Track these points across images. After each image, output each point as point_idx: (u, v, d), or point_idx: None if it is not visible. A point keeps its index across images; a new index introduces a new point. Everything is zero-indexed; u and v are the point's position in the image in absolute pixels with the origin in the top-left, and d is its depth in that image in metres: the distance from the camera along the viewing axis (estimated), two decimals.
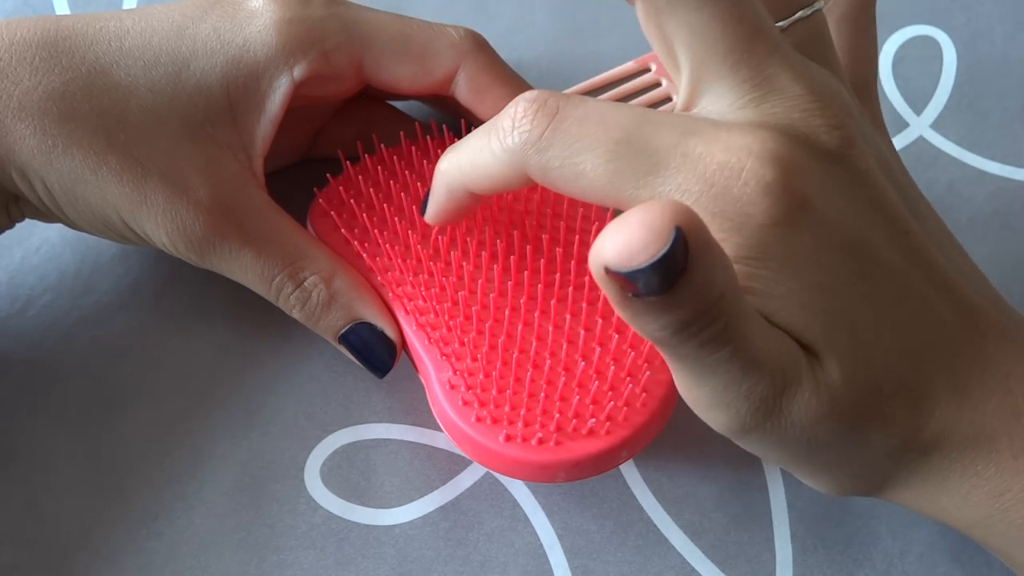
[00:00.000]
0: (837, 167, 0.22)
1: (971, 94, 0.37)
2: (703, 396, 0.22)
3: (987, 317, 0.24)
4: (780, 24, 0.24)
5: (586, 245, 0.29)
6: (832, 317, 0.21)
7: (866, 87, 0.27)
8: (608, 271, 0.17)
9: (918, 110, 0.37)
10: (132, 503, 0.30)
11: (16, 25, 0.27)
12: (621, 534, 0.30)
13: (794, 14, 0.24)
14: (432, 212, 0.27)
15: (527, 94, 0.22)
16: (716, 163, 0.21)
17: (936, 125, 0.37)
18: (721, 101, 0.22)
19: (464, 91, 0.30)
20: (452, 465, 0.30)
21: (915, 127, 0.37)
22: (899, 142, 0.36)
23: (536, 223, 0.29)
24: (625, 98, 0.36)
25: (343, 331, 0.29)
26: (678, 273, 0.17)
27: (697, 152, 0.21)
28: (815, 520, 0.30)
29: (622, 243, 0.17)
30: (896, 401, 0.22)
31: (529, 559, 0.29)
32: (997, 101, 0.37)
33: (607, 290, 0.18)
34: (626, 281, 0.17)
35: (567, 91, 0.36)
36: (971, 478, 0.23)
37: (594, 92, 0.36)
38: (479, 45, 0.30)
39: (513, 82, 0.30)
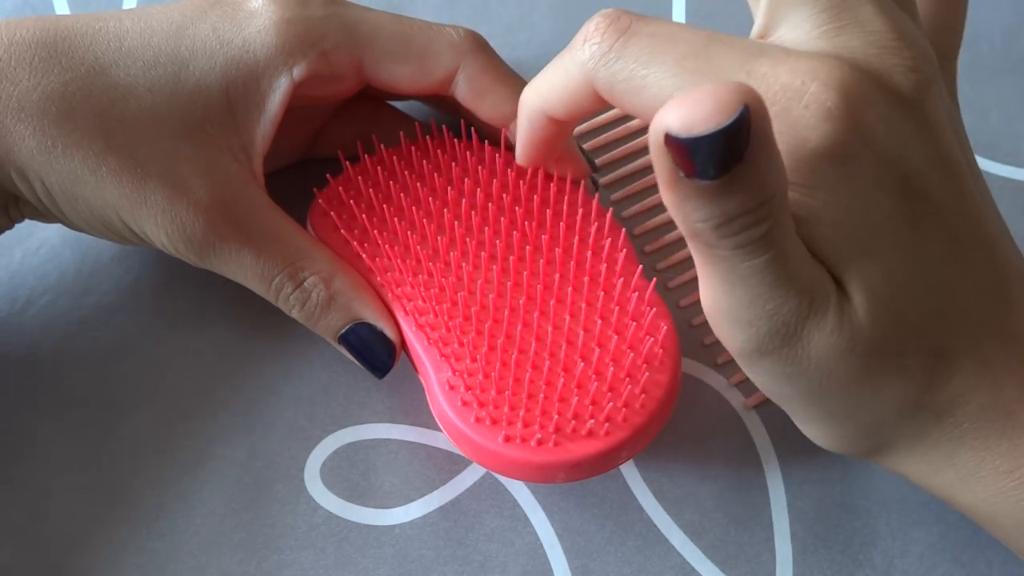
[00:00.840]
0: (906, 109, 0.21)
1: (971, 94, 0.37)
2: (726, 309, 0.21)
3: (1020, 289, 0.23)
4: None
5: (586, 245, 0.29)
6: (871, 257, 0.21)
7: (946, 58, 0.26)
8: (668, 139, 0.17)
9: None
10: (132, 503, 0.30)
11: (16, 25, 0.27)
12: (621, 534, 0.30)
13: None
14: (519, 148, 0.27)
15: (603, 11, 0.22)
16: (780, 84, 0.20)
17: None
18: (798, 30, 0.22)
19: (464, 91, 0.30)
20: (452, 465, 0.30)
21: None
22: None
23: (536, 224, 0.29)
24: None
25: (343, 331, 0.29)
26: (737, 156, 0.17)
27: (761, 71, 0.21)
28: (815, 520, 0.30)
29: (687, 110, 0.17)
30: (916, 356, 0.22)
31: (529, 559, 0.29)
32: (997, 101, 0.37)
33: (660, 165, 0.18)
34: (683, 154, 0.17)
35: None
36: (982, 451, 0.22)
37: None
38: (479, 45, 0.30)
39: (513, 82, 0.30)
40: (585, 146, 0.35)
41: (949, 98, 0.25)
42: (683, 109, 0.17)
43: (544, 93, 0.25)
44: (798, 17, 0.22)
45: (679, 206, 0.19)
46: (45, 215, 0.29)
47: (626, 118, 0.35)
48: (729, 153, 0.17)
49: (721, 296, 0.21)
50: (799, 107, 0.20)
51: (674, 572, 0.29)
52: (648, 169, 0.34)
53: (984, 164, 0.36)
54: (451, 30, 0.30)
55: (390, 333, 0.29)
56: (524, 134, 0.27)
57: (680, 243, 0.33)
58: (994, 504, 0.23)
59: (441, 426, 0.28)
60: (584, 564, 0.29)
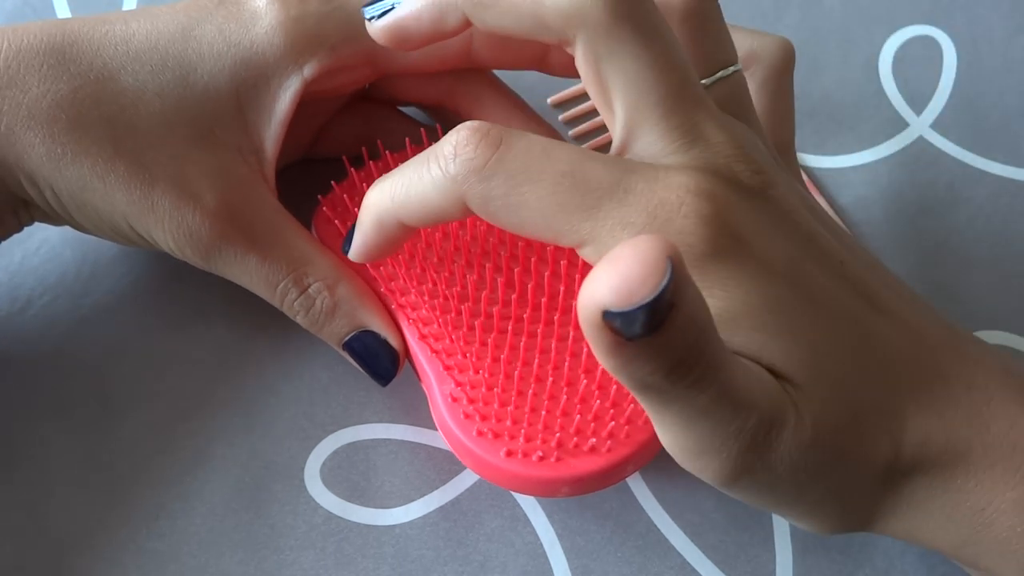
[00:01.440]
0: (764, 204, 0.23)
1: (971, 94, 0.37)
2: (692, 444, 0.21)
3: (934, 334, 0.24)
4: (704, 82, 0.26)
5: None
6: (793, 345, 0.22)
7: (786, 147, 0.29)
8: (605, 318, 0.17)
9: (918, 110, 0.37)
10: (133, 503, 0.30)
11: (22, 31, 0.27)
12: (621, 534, 0.30)
13: (715, 73, 0.26)
14: (358, 247, 0.26)
15: (469, 123, 0.22)
16: (657, 199, 0.21)
17: (936, 125, 0.37)
18: (653, 146, 0.23)
19: (485, 52, 0.30)
20: (452, 465, 0.30)
21: (915, 127, 0.37)
22: (899, 142, 0.37)
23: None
24: None
25: (347, 338, 0.29)
26: (670, 306, 0.17)
27: (639, 188, 0.22)
28: None
29: (619, 280, 0.17)
30: (871, 421, 0.23)
31: (529, 559, 0.29)
32: (997, 101, 0.37)
33: (597, 341, 0.18)
34: (625, 323, 0.17)
35: (557, 95, 0.36)
36: (953, 494, 0.23)
37: (584, 97, 0.36)
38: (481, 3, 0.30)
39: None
40: (572, 133, 0.35)
41: (797, 181, 0.28)
42: (614, 280, 0.17)
43: (402, 202, 0.24)
44: (652, 136, 0.23)
45: (626, 368, 0.19)
46: (54, 219, 0.29)
47: None
48: (663, 308, 0.17)
49: (684, 435, 0.21)
50: (679, 217, 0.21)
51: (674, 572, 0.29)
52: None
53: (984, 164, 0.36)
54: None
55: (394, 342, 0.29)
56: (369, 237, 0.25)
57: None
58: (975, 544, 0.23)
59: (444, 438, 0.28)
60: (584, 564, 0.29)
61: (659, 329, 0.17)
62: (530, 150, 0.22)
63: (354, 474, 0.30)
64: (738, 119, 0.25)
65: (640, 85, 0.23)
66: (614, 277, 0.17)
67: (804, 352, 0.22)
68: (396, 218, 0.24)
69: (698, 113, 0.23)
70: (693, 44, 0.26)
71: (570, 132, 0.35)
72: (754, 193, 0.23)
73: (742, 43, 0.30)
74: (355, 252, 0.26)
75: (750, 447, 0.21)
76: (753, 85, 0.29)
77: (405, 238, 0.25)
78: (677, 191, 0.22)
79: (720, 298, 0.22)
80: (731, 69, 0.26)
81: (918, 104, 0.37)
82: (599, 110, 0.24)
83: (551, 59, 0.30)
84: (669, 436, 0.22)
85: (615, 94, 0.23)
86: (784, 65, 0.30)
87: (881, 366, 0.23)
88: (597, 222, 0.21)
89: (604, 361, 0.19)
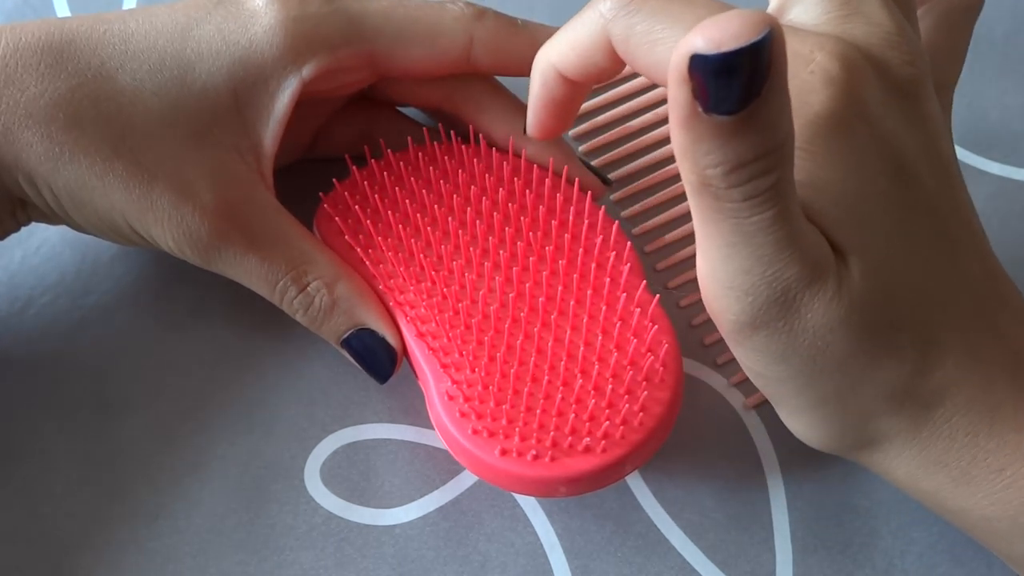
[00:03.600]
0: (901, 97, 0.22)
1: (971, 94, 0.37)
2: (724, 277, 0.21)
3: (1008, 290, 0.24)
4: None
5: (590, 257, 0.29)
6: (866, 228, 0.21)
7: (944, 86, 0.27)
8: (693, 62, 0.17)
9: None
10: (132, 503, 0.30)
11: (20, 29, 0.27)
12: (621, 534, 0.30)
13: None
14: (530, 113, 0.27)
15: None
16: (790, 50, 0.21)
17: None
18: (808, 13, 0.23)
19: (485, 58, 0.30)
20: (452, 465, 0.30)
21: None
22: None
23: (541, 234, 0.29)
24: (626, 98, 0.36)
25: (345, 336, 0.29)
26: (757, 87, 0.17)
27: None
28: (815, 520, 0.30)
29: (715, 29, 0.17)
30: (909, 335, 0.22)
31: (529, 559, 0.29)
32: (997, 101, 0.37)
33: (679, 99, 0.18)
34: (707, 78, 0.17)
35: None
36: (972, 449, 0.22)
37: (594, 92, 0.36)
38: (482, 11, 0.30)
39: (530, 31, 0.30)
40: (583, 149, 0.35)
41: (946, 122, 0.26)
42: (710, 29, 0.17)
43: (560, 48, 0.25)
44: (810, 2, 0.23)
45: (691, 149, 0.19)
46: (52, 218, 0.29)
47: (626, 118, 0.35)
48: (752, 80, 0.17)
49: (720, 262, 0.21)
50: (805, 72, 0.21)
51: (674, 572, 0.29)
52: (649, 169, 0.34)
53: (984, 164, 0.36)
54: (451, 5, 0.30)
55: (392, 340, 0.29)
56: (536, 94, 0.27)
57: (680, 243, 0.33)
58: (986, 507, 0.23)
59: (439, 436, 0.28)
60: (584, 564, 0.29)
61: (738, 111, 0.17)
62: None
63: (354, 474, 0.30)
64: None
65: None
66: (711, 27, 0.17)
67: (873, 244, 0.22)
68: (555, 68, 0.25)
69: None
70: None
71: (570, 132, 0.35)
72: (899, 82, 0.22)
73: None
74: (529, 121, 0.27)
75: (779, 300, 0.21)
76: (933, 15, 0.27)
77: (570, 101, 0.26)
78: (811, 46, 0.21)
79: (819, 165, 0.21)
80: None
81: None
82: None
83: None
84: (706, 257, 0.21)
85: None
86: (971, 6, 0.28)
87: (947, 294, 0.23)
88: None
89: (674, 135, 0.19)
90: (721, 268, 0.21)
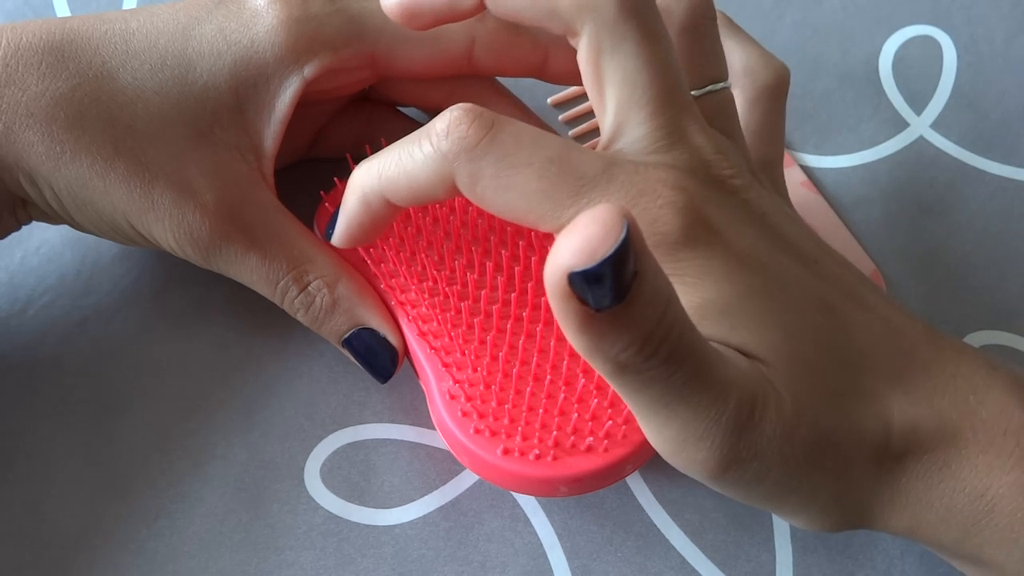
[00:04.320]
0: (739, 203, 0.24)
1: (971, 94, 0.37)
2: (675, 433, 0.21)
3: (913, 329, 0.24)
4: (693, 93, 0.27)
5: None
6: (762, 327, 0.22)
7: (772, 164, 0.30)
8: (572, 279, 0.17)
9: (918, 110, 0.37)
10: (132, 503, 0.30)
11: (21, 29, 0.27)
12: (621, 534, 0.30)
13: (705, 87, 0.27)
14: (342, 228, 0.26)
15: (462, 104, 0.23)
16: (636, 189, 0.22)
17: (936, 125, 0.37)
18: (638, 143, 0.24)
19: (486, 59, 0.30)
20: (452, 465, 0.30)
21: (915, 127, 0.37)
22: (899, 142, 0.36)
23: (543, 233, 0.29)
24: None
25: (346, 335, 0.29)
26: (632, 272, 0.18)
27: (620, 179, 0.23)
28: None
29: (579, 242, 0.17)
30: (854, 403, 0.23)
31: (529, 559, 0.29)
32: (997, 101, 0.37)
33: (569, 311, 0.18)
34: (590, 286, 0.17)
35: (557, 95, 0.36)
36: (949, 481, 0.23)
37: (584, 97, 0.36)
38: (483, 12, 0.30)
39: (530, 32, 0.30)
40: (572, 133, 0.35)
41: (783, 198, 0.28)
42: (574, 242, 0.17)
43: (391, 178, 0.24)
44: (638, 133, 0.24)
45: (597, 345, 0.19)
46: (52, 218, 0.29)
47: None
48: (626, 271, 0.17)
49: (664, 423, 0.21)
50: (656, 207, 0.22)
51: (674, 572, 0.29)
52: None
53: (984, 164, 0.36)
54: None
55: (393, 339, 0.29)
56: (353, 215, 0.25)
57: None
58: (976, 534, 0.23)
59: (441, 435, 0.28)
60: (584, 564, 0.29)
61: (625, 297, 0.18)
62: (520, 135, 0.22)
63: (354, 474, 0.30)
64: (723, 134, 0.26)
65: (633, 82, 0.24)
66: (575, 240, 0.17)
67: (776, 335, 0.22)
68: (382, 196, 0.24)
69: (684, 117, 0.24)
70: (687, 55, 0.27)
71: (570, 132, 0.35)
72: (729, 192, 0.24)
73: (741, 57, 0.30)
74: (339, 234, 0.26)
75: (734, 431, 0.21)
76: (744, 101, 0.30)
77: (389, 219, 0.26)
78: (655, 184, 0.23)
79: (692, 285, 0.22)
80: (720, 85, 0.28)
81: (918, 104, 0.37)
82: (592, 104, 0.25)
83: (550, 66, 0.30)
84: (652, 427, 0.22)
85: (609, 89, 0.24)
86: (777, 87, 0.30)
87: (860, 354, 0.23)
88: (579, 208, 0.22)
89: (576, 341, 0.19)
90: (668, 428, 0.21)
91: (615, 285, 0.17)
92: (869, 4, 0.39)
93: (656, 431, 0.22)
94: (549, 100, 0.37)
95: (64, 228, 0.30)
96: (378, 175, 0.24)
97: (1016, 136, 0.36)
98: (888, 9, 0.39)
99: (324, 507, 0.30)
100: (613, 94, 0.24)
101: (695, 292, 0.22)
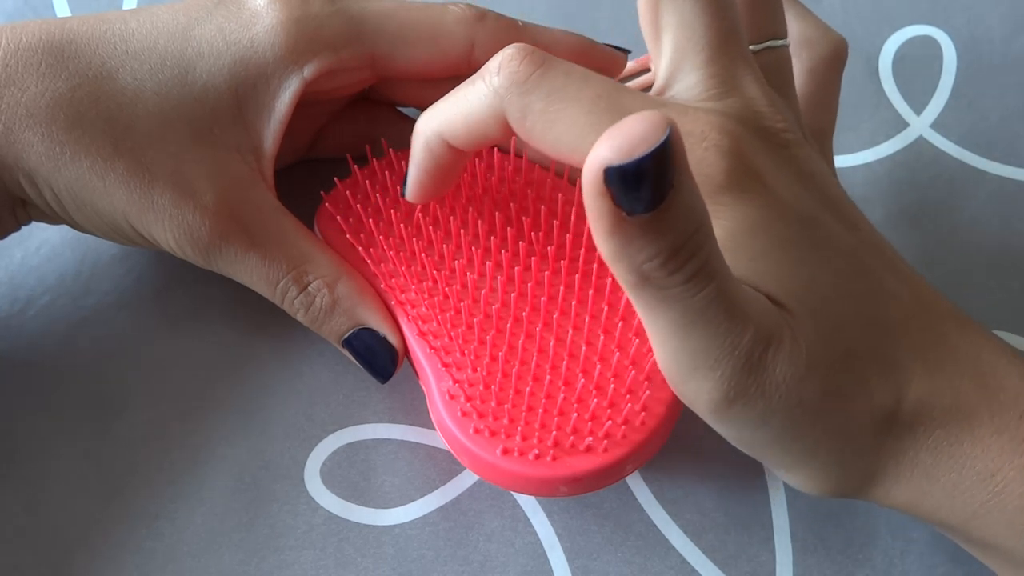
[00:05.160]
0: (786, 156, 0.24)
1: (971, 94, 0.37)
2: (687, 358, 0.22)
3: (944, 306, 0.25)
4: (752, 48, 0.27)
5: (592, 256, 0.28)
6: (791, 276, 0.22)
7: (824, 134, 0.30)
8: (607, 174, 0.18)
9: (918, 110, 0.37)
10: (132, 503, 0.30)
11: (20, 29, 0.27)
12: (621, 534, 0.30)
13: (764, 42, 0.27)
14: (412, 179, 0.27)
15: (515, 44, 0.23)
16: (684, 130, 0.23)
17: (936, 125, 0.37)
18: (691, 90, 0.24)
19: (486, 59, 0.30)
20: (452, 465, 0.30)
21: (915, 127, 0.37)
22: (899, 142, 0.36)
23: (543, 234, 0.29)
24: None
25: (346, 336, 0.29)
26: (668, 181, 0.18)
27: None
28: (815, 520, 0.30)
29: (621, 139, 0.17)
30: (870, 367, 0.23)
31: (529, 559, 0.29)
32: (997, 101, 0.37)
33: (600, 210, 0.18)
34: (623, 187, 0.18)
35: None
36: (959, 460, 0.23)
37: None
38: (483, 13, 0.30)
39: (531, 32, 0.30)
40: None
41: (829, 167, 0.29)
42: (616, 140, 0.18)
43: (449, 118, 0.25)
44: (691, 80, 0.24)
45: (624, 251, 0.19)
46: (52, 218, 0.29)
47: None
48: (662, 177, 0.18)
49: (679, 348, 0.22)
50: (700, 150, 0.23)
51: (674, 572, 0.29)
52: None
53: (984, 164, 0.36)
54: (453, 7, 0.30)
55: (393, 339, 0.29)
56: (420, 162, 0.26)
57: None
58: (983, 516, 0.23)
59: (440, 435, 0.28)
60: (584, 564, 0.29)
61: (658, 206, 0.18)
62: (571, 72, 0.23)
63: (354, 474, 0.30)
64: (777, 92, 0.26)
65: (691, 27, 0.24)
66: (616, 136, 0.17)
67: (803, 286, 0.22)
68: (441, 137, 0.25)
69: (739, 66, 0.24)
70: (748, 10, 0.27)
71: None
72: (779, 145, 0.24)
73: (799, 27, 0.30)
74: (409, 184, 0.27)
75: (745, 366, 0.21)
76: (801, 71, 0.30)
77: (453, 167, 0.26)
78: (702, 126, 0.23)
79: (731, 229, 0.22)
80: (779, 42, 0.27)
81: (918, 104, 0.37)
82: (649, 50, 0.25)
83: None
84: (666, 351, 0.22)
85: (666, 34, 0.24)
86: (835, 58, 0.30)
87: (887, 321, 0.23)
88: None
89: (603, 245, 0.19)
90: (682, 352, 0.22)
91: (650, 190, 0.18)
92: (869, 4, 0.39)
93: (669, 355, 0.22)
94: None
95: (64, 228, 0.30)
96: (438, 117, 0.25)
97: (1016, 136, 0.36)
98: (888, 9, 0.39)
99: (324, 507, 0.30)
100: (669, 39, 0.24)
101: (731, 230, 0.22)
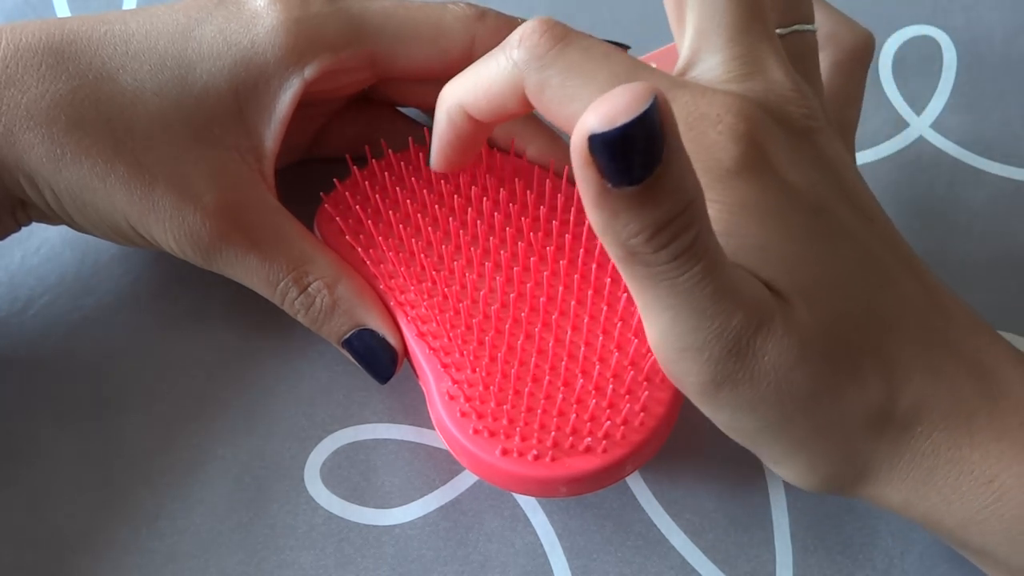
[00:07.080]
0: (807, 144, 0.24)
1: (971, 94, 0.37)
2: (675, 339, 0.21)
3: (954, 306, 0.24)
4: (778, 31, 0.26)
5: (591, 257, 0.29)
6: (792, 265, 0.22)
7: (847, 128, 0.29)
8: (591, 142, 0.17)
9: (918, 110, 0.37)
10: (132, 503, 0.30)
11: (20, 30, 0.27)
12: (621, 534, 0.30)
13: (792, 26, 0.26)
14: (435, 149, 0.27)
15: (538, 17, 0.23)
16: (699, 112, 0.22)
17: (936, 125, 0.37)
18: (713, 71, 0.24)
19: None
20: (452, 465, 0.30)
21: (915, 127, 0.37)
22: (899, 142, 0.36)
23: (542, 234, 0.29)
24: None
25: (346, 336, 0.29)
26: (657, 154, 0.18)
27: (683, 100, 0.22)
28: (815, 520, 0.30)
29: (605, 107, 0.17)
30: (867, 362, 0.22)
31: (529, 559, 0.29)
32: (997, 101, 0.37)
33: (587, 180, 0.18)
34: (608, 156, 0.17)
35: None
36: (958, 464, 0.22)
37: None
38: (483, 12, 0.30)
39: None
40: None
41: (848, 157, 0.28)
42: (601, 107, 0.17)
43: (469, 88, 0.25)
44: (714, 60, 0.24)
45: (610, 224, 0.19)
46: (52, 219, 0.29)
47: None
48: (650, 148, 0.18)
49: (667, 325, 0.21)
50: (713, 132, 0.22)
51: (674, 572, 0.29)
52: None
53: (984, 164, 0.36)
54: (454, 6, 0.30)
55: (393, 340, 0.29)
56: (441, 131, 0.26)
57: None
58: (980, 523, 0.23)
59: (440, 435, 0.28)
60: (584, 564, 0.29)
61: (642, 180, 0.18)
62: (590, 49, 0.23)
63: (354, 474, 0.30)
64: (803, 78, 0.25)
65: (714, 8, 0.24)
66: (602, 104, 0.17)
67: (807, 279, 0.22)
68: (462, 107, 0.25)
69: (763, 48, 0.24)
70: None
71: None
72: (800, 131, 0.24)
73: (826, 22, 0.30)
74: (433, 154, 0.27)
75: (732, 351, 0.21)
76: (828, 65, 0.29)
77: (475, 139, 0.26)
78: (718, 109, 0.22)
79: (739, 215, 0.22)
80: (807, 27, 0.27)
81: (918, 104, 0.37)
82: (673, 30, 0.25)
83: None
84: (656, 330, 0.22)
85: (690, 13, 0.24)
86: (862, 52, 0.30)
87: (893, 316, 0.23)
88: None
89: (591, 215, 0.19)
90: (671, 331, 0.21)
91: (636, 158, 0.18)
92: (869, 4, 0.39)
93: (658, 333, 0.22)
94: None
95: (64, 228, 0.30)
96: (460, 87, 0.25)
97: (1016, 136, 0.36)
98: (888, 9, 0.39)
99: (324, 507, 0.30)
100: (693, 18, 0.24)
101: (740, 220, 0.22)
